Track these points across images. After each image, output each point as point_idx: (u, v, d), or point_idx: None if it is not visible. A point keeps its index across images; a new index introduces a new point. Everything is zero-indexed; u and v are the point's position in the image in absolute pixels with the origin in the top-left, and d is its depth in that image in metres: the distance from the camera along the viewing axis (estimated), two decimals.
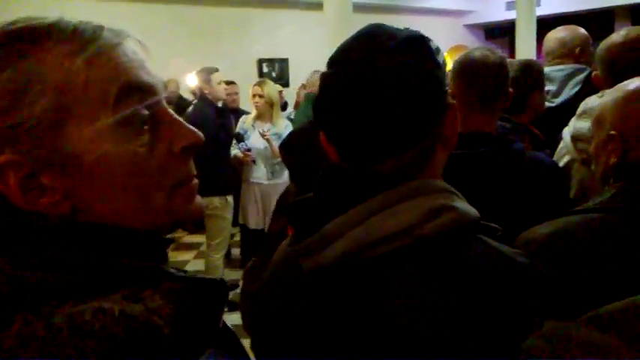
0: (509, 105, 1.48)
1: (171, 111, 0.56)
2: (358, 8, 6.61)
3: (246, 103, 4.55)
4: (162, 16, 8.02)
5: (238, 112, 4.90)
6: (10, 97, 0.47)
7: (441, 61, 0.71)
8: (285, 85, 8.02)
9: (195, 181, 0.58)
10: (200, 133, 0.56)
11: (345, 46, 0.72)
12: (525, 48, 7.51)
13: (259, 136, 4.15)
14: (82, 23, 0.52)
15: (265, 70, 9.39)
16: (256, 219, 4.35)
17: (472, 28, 11.85)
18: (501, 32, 11.73)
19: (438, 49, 0.72)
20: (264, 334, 0.81)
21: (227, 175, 4.08)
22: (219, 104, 4.16)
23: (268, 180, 4.23)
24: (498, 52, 1.48)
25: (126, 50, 0.53)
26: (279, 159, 4.00)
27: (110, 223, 0.51)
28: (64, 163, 0.49)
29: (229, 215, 4.12)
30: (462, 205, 0.68)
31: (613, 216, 0.98)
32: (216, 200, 3.95)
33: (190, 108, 4.40)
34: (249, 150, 4.16)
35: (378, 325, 0.62)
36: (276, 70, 9.54)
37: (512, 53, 9.33)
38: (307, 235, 0.69)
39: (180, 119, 0.56)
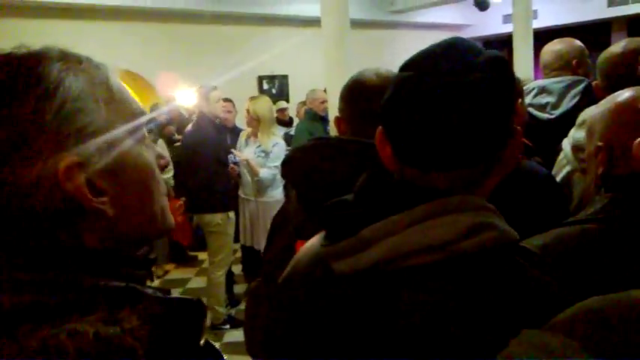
0: None
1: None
2: (356, 24, 6.66)
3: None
4: (162, 34, 8.09)
5: (235, 130, 4.86)
6: (76, 104, 0.52)
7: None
8: (286, 101, 8.05)
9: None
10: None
11: (427, 54, 0.70)
12: (523, 60, 7.53)
13: (249, 151, 4.17)
14: (81, 54, 0.58)
15: (266, 86, 9.45)
16: (243, 235, 4.36)
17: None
18: (500, 45, 11.81)
19: None
20: (282, 333, 0.79)
21: (228, 191, 4.10)
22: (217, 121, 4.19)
23: (255, 197, 4.22)
24: None
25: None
26: (257, 177, 4.02)
27: (120, 233, 0.55)
28: (113, 169, 0.54)
29: (231, 231, 4.13)
30: (503, 224, 0.67)
31: (604, 227, 0.98)
32: (218, 217, 3.97)
33: (189, 126, 4.41)
34: (235, 163, 4.18)
35: (401, 336, 0.62)
36: (276, 86, 9.60)
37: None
38: (341, 238, 0.69)
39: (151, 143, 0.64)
